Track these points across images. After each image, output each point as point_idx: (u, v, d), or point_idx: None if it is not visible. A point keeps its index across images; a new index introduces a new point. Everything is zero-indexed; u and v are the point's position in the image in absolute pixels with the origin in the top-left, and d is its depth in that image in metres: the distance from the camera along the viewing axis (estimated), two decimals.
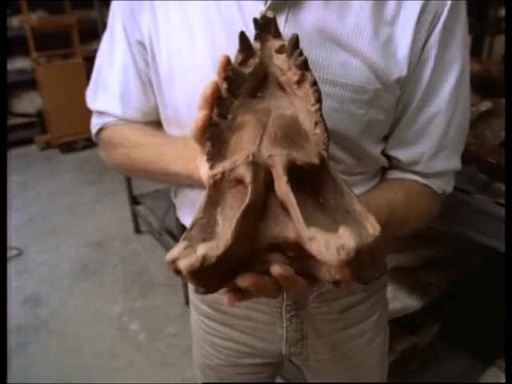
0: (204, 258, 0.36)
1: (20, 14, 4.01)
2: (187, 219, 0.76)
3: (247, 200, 0.39)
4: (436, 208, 0.72)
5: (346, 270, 0.37)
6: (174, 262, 0.37)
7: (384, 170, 0.74)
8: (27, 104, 4.48)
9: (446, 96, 0.64)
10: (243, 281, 0.40)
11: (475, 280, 1.68)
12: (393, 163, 0.71)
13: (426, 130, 0.66)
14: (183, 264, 0.36)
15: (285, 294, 0.74)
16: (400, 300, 1.48)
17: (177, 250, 0.37)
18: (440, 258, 1.65)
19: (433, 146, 0.66)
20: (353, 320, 0.80)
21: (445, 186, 0.71)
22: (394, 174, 0.72)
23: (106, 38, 0.73)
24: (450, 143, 0.67)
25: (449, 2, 0.60)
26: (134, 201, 2.87)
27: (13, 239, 2.82)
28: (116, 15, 0.70)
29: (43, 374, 1.93)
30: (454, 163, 0.70)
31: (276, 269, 0.40)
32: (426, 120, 0.65)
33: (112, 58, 0.72)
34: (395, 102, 0.63)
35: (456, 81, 0.64)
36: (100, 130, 0.77)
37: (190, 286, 0.85)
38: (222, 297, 0.76)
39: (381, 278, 0.81)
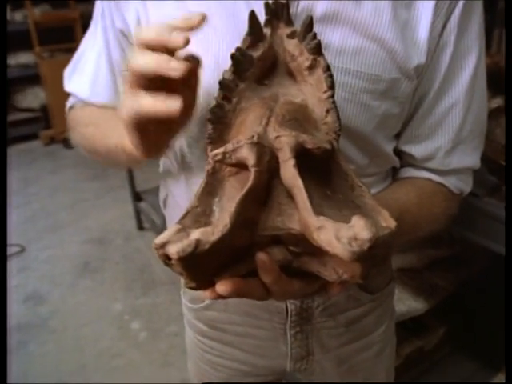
0: (197, 243, 0.32)
1: (23, 8, 3.98)
2: None
3: (250, 183, 0.35)
4: (453, 209, 0.67)
5: (357, 266, 0.33)
6: (163, 246, 0.33)
7: (396, 170, 0.69)
8: (31, 99, 4.45)
9: (464, 85, 0.60)
10: (222, 286, 0.36)
11: (482, 281, 1.64)
12: (406, 160, 0.67)
13: (442, 122, 0.62)
14: (174, 248, 0.32)
15: (289, 310, 0.69)
16: (405, 303, 1.44)
17: (167, 234, 0.33)
18: (447, 258, 1.61)
19: (449, 140, 0.62)
20: (360, 332, 0.75)
21: (462, 184, 0.67)
22: (407, 172, 0.67)
23: (92, 23, 0.71)
24: (467, 137, 0.63)
25: None
26: (137, 197, 2.83)
27: (15, 236, 2.80)
28: (98, 4, 0.67)
29: (43, 373, 1.90)
30: (472, 159, 0.65)
31: (260, 256, 0.36)
32: (443, 112, 0.61)
33: (93, 44, 0.70)
34: (411, 93, 0.59)
35: (474, 69, 0.60)
36: (70, 110, 0.76)
37: (183, 300, 0.80)
38: (219, 314, 0.73)
39: (388, 286, 0.77)
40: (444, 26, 0.57)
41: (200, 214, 0.38)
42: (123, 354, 2.00)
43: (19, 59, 4.27)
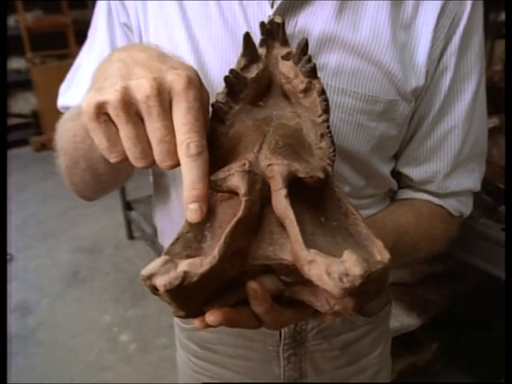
0: (185, 275, 0.31)
1: (15, 13, 3.96)
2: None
3: (240, 213, 0.34)
4: (452, 231, 0.66)
5: (349, 300, 0.32)
6: (150, 278, 0.32)
7: (394, 192, 0.69)
8: (22, 104, 4.44)
9: (464, 109, 0.59)
10: (211, 316, 0.35)
11: (475, 296, 1.63)
12: (404, 182, 0.66)
13: (440, 146, 0.61)
14: (160, 281, 0.31)
15: (283, 333, 0.68)
16: (398, 319, 1.42)
17: (154, 265, 0.32)
18: (440, 273, 1.60)
19: (448, 163, 0.62)
20: (355, 356, 0.74)
21: (461, 207, 0.66)
22: (406, 194, 0.67)
23: (88, 39, 0.67)
24: (466, 160, 0.63)
25: (468, 6, 0.55)
26: (128, 206, 2.81)
27: None
28: (101, 6, 0.63)
29: None
30: (471, 182, 0.65)
31: (252, 285, 0.35)
32: (442, 135, 0.60)
33: (91, 53, 0.64)
34: (409, 115, 0.58)
35: (474, 92, 0.59)
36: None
37: (175, 319, 0.79)
38: (211, 335, 0.71)
39: (384, 309, 0.75)
40: (444, 49, 0.56)
41: (191, 239, 0.37)
42: (112, 366, 1.97)
43: (11, 64, 4.25)
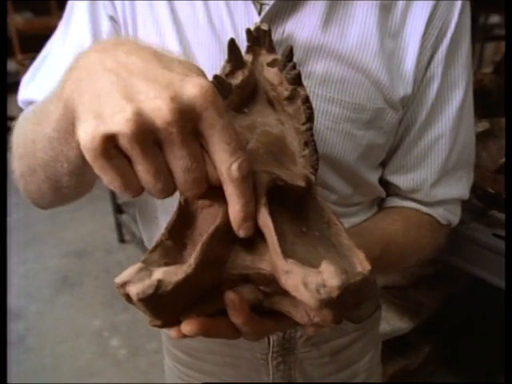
0: (159, 284, 0.30)
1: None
2: None
3: (218, 221, 0.34)
4: (440, 240, 0.66)
5: (327, 312, 0.31)
6: (123, 286, 0.31)
7: (382, 199, 0.68)
8: (12, 107, 4.37)
9: (451, 117, 0.59)
10: (187, 326, 0.34)
11: (467, 298, 1.63)
12: (392, 190, 0.65)
13: (427, 154, 0.61)
14: (134, 290, 0.30)
15: (271, 341, 0.67)
16: (390, 322, 1.42)
17: (128, 273, 0.31)
18: (431, 275, 1.60)
19: (435, 172, 0.61)
20: (345, 362, 0.73)
21: (449, 215, 0.66)
22: (393, 202, 0.66)
23: (58, 29, 0.63)
24: (453, 169, 0.62)
25: (456, 15, 0.55)
26: (118, 209, 2.79)
27: None
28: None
29: None
30: (459, 191, 0.65)
31: (230, 295, 0.34)
32: (428, 143, 0.60)
33: (63, 45, 0.60)
34: (397, 124, 0.58)
35: (461, 101, 0.59)
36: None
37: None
38: (198, 343, 0.70)
39: (374, 315, 0.75)
40: (431, 58, 0.56)
41: (170, 247, 0.36)
42: (102, 372, 1.95)
43: None
